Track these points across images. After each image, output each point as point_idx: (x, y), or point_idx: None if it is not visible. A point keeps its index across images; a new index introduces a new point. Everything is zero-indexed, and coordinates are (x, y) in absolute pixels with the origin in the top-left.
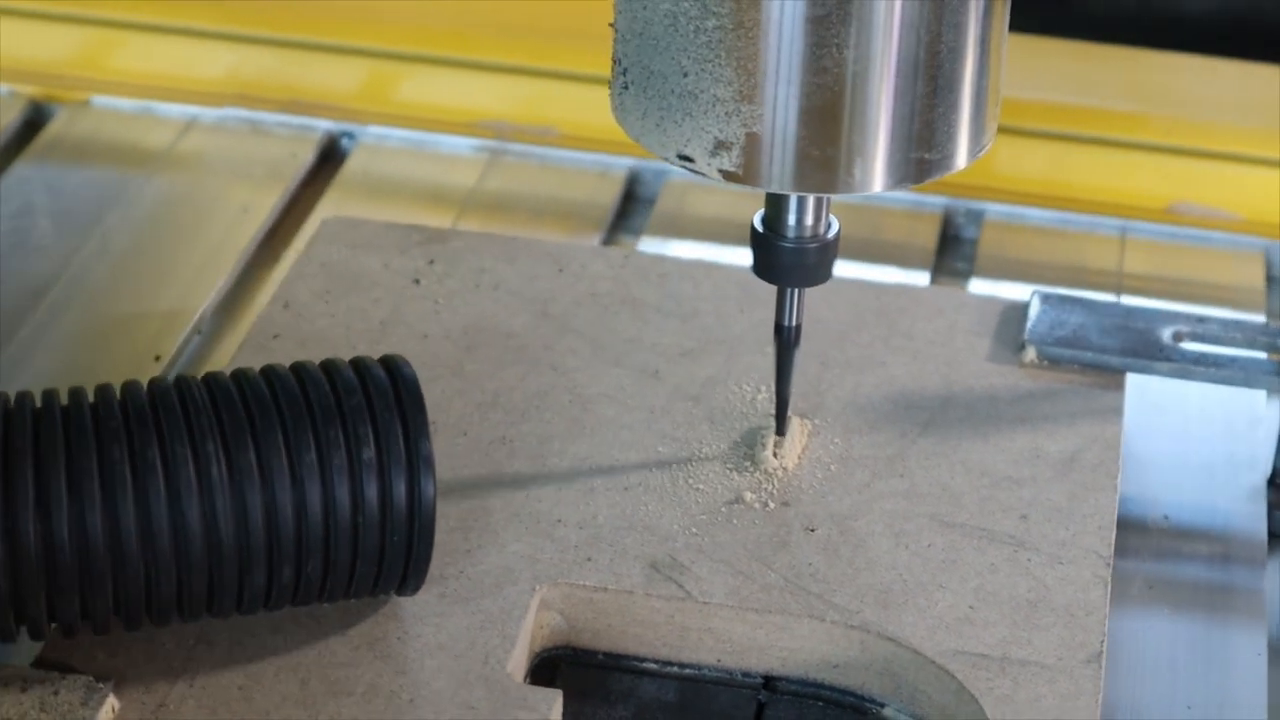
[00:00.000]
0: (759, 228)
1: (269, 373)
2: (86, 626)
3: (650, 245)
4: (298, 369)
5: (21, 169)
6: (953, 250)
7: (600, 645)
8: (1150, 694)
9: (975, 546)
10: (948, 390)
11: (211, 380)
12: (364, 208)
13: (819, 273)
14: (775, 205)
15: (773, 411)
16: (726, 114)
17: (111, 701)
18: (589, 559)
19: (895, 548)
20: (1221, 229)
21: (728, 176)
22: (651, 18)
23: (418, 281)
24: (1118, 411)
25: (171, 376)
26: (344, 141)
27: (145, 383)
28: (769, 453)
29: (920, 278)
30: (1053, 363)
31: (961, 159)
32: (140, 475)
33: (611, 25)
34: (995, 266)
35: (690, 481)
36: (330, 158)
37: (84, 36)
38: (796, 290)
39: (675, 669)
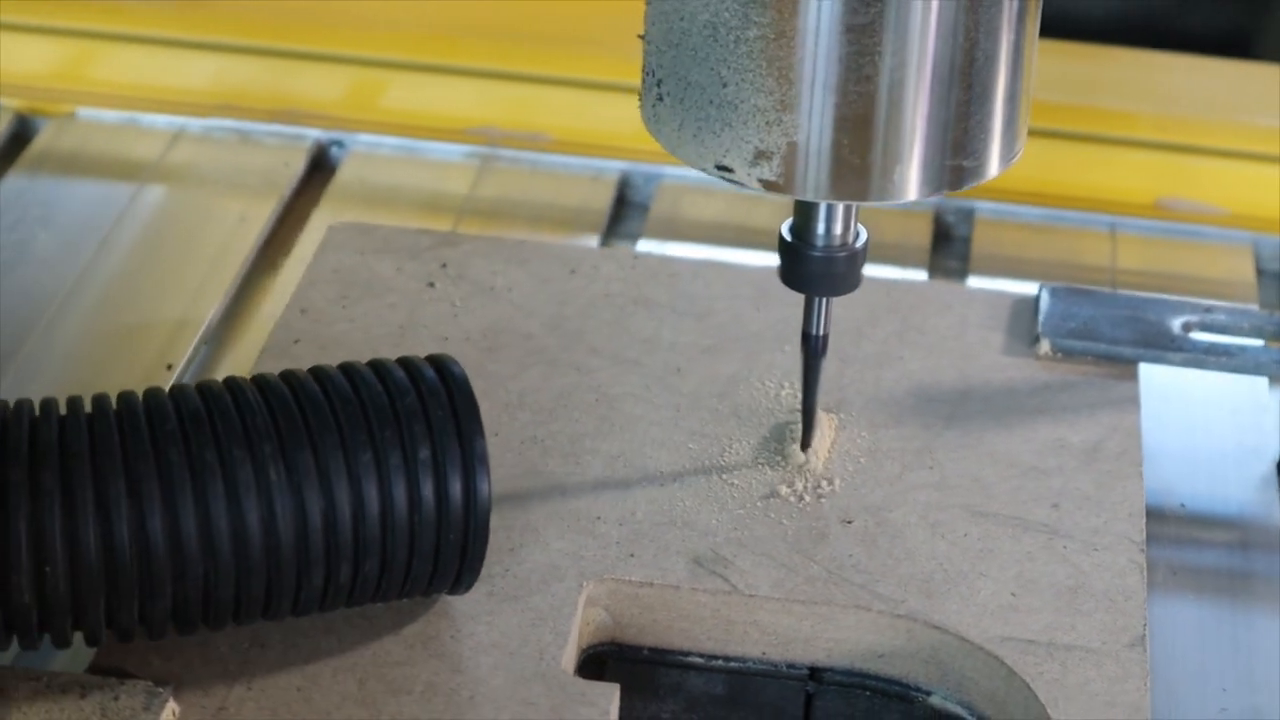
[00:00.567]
0: (787, 237)
1: (319, 374)
2: (142, 632)
3: (648, 249)
4: (347, 369)
5: (13, 182)
6: (945, 249)
7: (646, 640)
8: (1185, 676)
9: (1010, 535)
10: (966, 384)
11: (263, 382)
12: (361, 216)
13: (847, 281)
14: (804, 214)
15: (798, 406)
16: (767, 123)
17: (172, 706)
18: (632, 555)
19: (932, 538)
20: (1209, 223)
21: (768, 186)
22: (689, 28)
23: (432, 285)
24: (1134, 401)
25: (189, 384)
26: (334, 150)
27: (194, 386)
28: (798, 447)
29: (918, 276)
30: (1066, 355)
31: (994, 166)
32: (199, 477)
33: (641, 36)
34: (990, 264)
35: (724, 477)
36: (321, 167)
37: (67, 48)
38: (824, 299)
39: (721, 662)
